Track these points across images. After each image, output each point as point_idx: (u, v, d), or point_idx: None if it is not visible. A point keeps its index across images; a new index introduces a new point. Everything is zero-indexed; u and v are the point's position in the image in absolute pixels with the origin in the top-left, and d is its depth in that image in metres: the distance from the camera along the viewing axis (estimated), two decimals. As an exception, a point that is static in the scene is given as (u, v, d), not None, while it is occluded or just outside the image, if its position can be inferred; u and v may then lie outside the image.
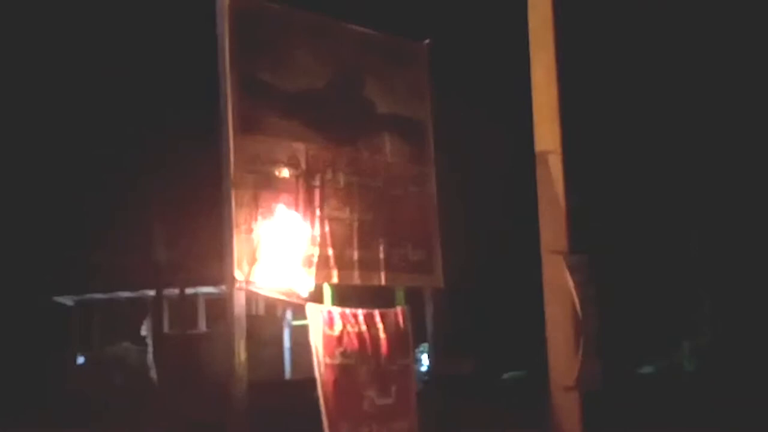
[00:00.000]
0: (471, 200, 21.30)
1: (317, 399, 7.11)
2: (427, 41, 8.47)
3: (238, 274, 6.73)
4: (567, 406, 8.75)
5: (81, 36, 24.93)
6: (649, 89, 26.45)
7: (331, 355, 7.17)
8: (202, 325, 30.01)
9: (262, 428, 7.22)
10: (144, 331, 29.66)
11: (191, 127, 21.67)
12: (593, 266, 8.86)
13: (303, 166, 7.24)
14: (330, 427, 7.00)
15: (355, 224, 7.54)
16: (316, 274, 7.19)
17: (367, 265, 7.57)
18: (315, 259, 7.19)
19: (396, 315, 7.79)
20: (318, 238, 7.22)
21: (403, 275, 7.92)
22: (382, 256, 7.70)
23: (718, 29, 25.52)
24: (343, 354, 7.25)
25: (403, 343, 7.73)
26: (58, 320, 29.57)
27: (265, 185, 6.99)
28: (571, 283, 8.54)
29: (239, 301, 6.83)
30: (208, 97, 7.45)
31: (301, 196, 7.18)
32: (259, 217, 6.89)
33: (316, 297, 7.35)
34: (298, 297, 7.22)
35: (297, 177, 7.19)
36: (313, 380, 7.14)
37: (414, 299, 8.06)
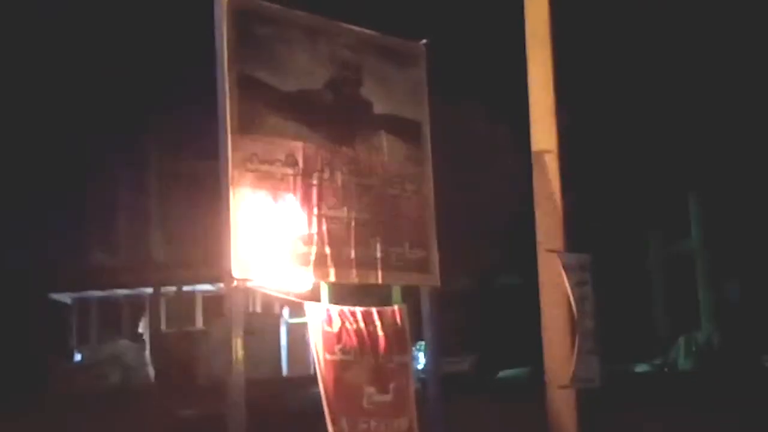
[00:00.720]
0: (469, 200, 21.34)
1: (314, 395, 7.16)
2: (424, 41, 8.49)
3: (236, 272, 6.76)
4: (563, 404, 8.80)
5: (81, 36, 24.95)
6: (649, 89, 26.48)
7: (331, 352, 7.22)
8: (199, 323, 30.08)
9: (259, 425, 7.26)
10: (141, 328, 29.75)
11: (190, 126, 21.71)
12: (589, 264, 8.90)
13: (300, 164, 7.27)
14: (332, 422, 7.05)
15: (353, 223, 7.57)
16: (314, 273, 7.22)
17: (364, 263, 7.59)
18: (312, 258, 7.22)
19: (393, 313, 7.82)
20: (315, 237, 7.26)
21: (400, 274, 7.94)
22: (379, 255, 7.72)
23: (717, 27, 25.56)
24: (343, 350, 7.29)
25: (401, 341, 7.76)
26: (56, 317, 29.60)
27: (262, 184, 7.03)
28: (566, 282, 8.58)
29: (236, 298, 6.88)
30: (205, 94, 7.48)
31: (299, 194, 7.22)
32: (257, 216, 6.93)
33: (312, 295, 7.40)
34: (296, 295, 7.28)
35: (294, 176, 7.23)
36: (310, 377, 7.19)
37: (411, 298, 8.08)
